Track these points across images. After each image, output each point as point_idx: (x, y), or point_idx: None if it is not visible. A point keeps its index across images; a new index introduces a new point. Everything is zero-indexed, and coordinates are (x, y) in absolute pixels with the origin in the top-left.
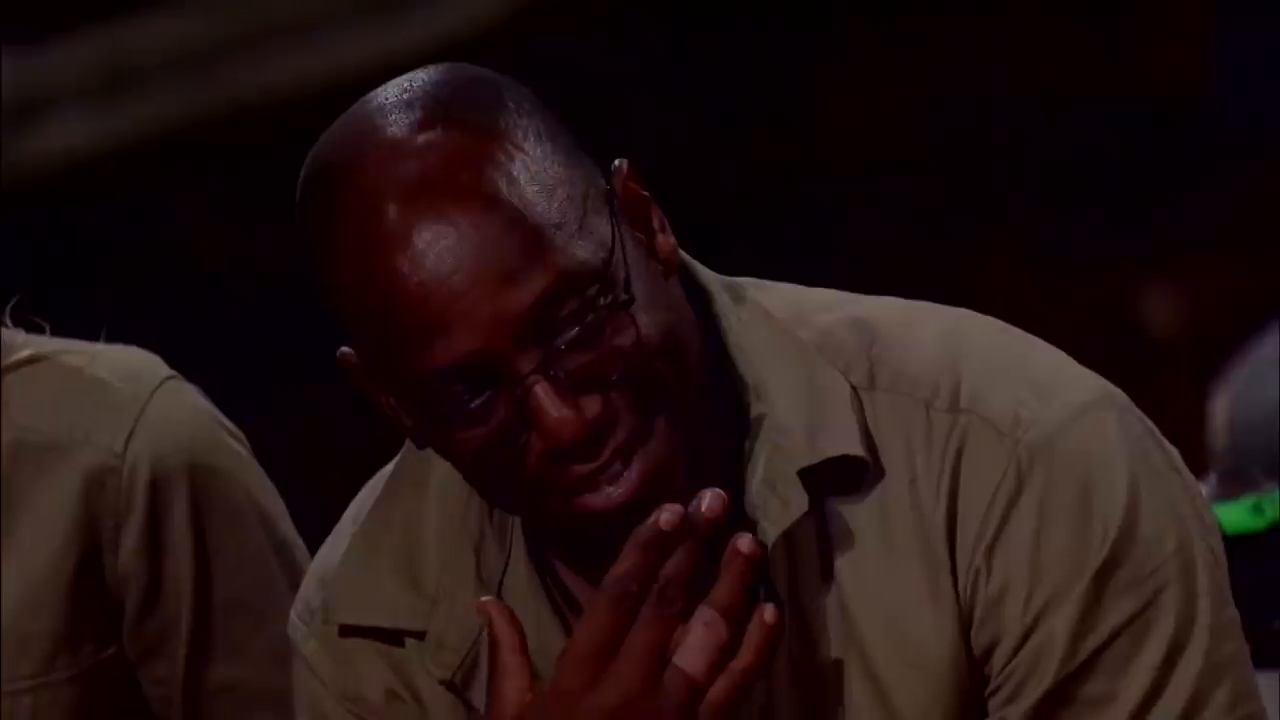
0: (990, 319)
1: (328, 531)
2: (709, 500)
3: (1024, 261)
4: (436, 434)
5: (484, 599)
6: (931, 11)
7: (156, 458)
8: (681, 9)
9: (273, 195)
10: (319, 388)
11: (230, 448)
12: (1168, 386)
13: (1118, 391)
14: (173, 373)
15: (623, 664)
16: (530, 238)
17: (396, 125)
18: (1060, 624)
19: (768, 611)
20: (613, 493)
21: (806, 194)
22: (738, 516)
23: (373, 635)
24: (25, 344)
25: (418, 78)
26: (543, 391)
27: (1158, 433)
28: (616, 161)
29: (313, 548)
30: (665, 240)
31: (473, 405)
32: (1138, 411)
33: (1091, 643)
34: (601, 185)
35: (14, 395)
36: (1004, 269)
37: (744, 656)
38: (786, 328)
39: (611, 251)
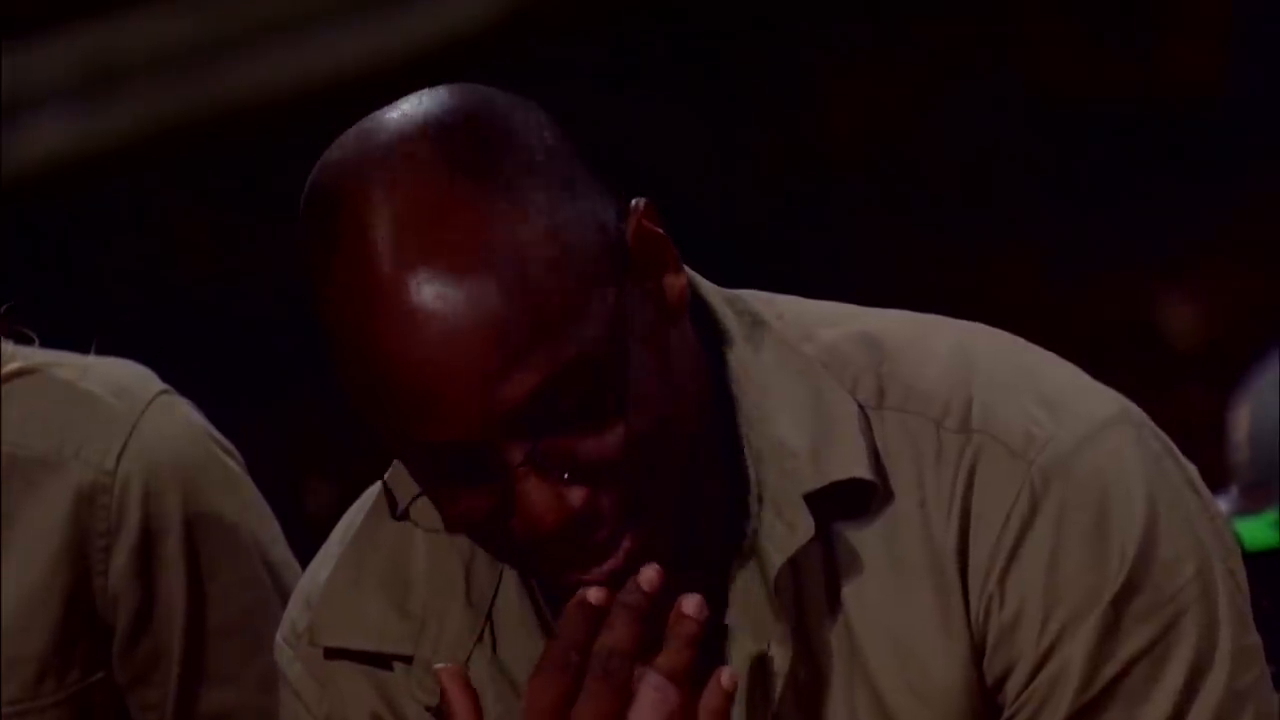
0: (1002, 333)
1: (314, 545)
2: (647, 575)
3: (1037, 269)
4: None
5: (440, 667)
6: (938, 9)
7: (149, 475)
8: (681, 8)
9: (262, 197)
10: (308, 395)
11: (225, 465)
12: (1187, 398)
13: (1134, 408)
14: (166, 387)
15: None
16: (526, 330)
17: (403, 176)
18: (1076, 651)
19: (724, 675)
20: (600, 569)
21: (808, 200)
22: (741, 542)
23: (359, 659)
24: (14, 356)
25: (428, 110)
26: (528, 482)
27: (1175, 450)
28: (634, 201)
29: (300, 562)
30: (676, 281)
31: (456, 483)
32: (1155, 428)
33: (1109, 670)
34: (612, 233)
35: (2, 410)
36: (1017, 277)
37: (700, 715)
38: (791, 343)
39: (611, 331)
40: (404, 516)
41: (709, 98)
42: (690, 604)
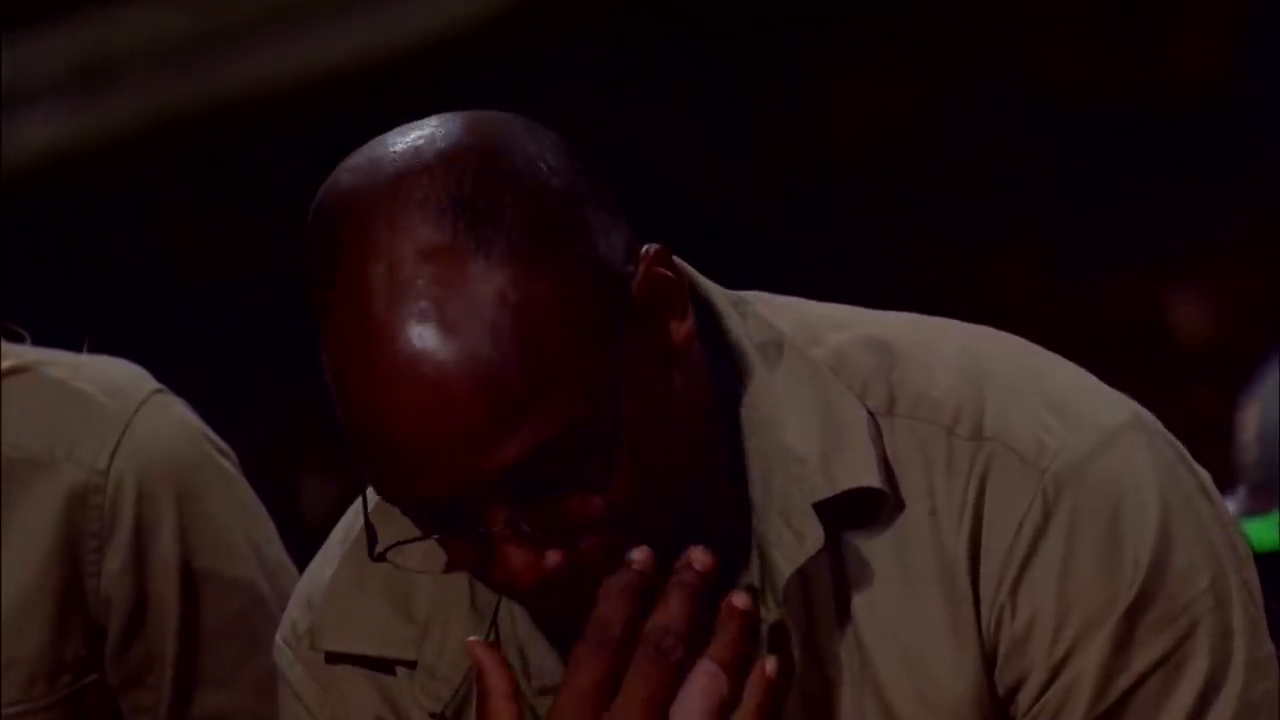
0: (1008, 336)
1: (312, 545)
2: (697, 555)
3: (1041, 269)
4: None
5: (472, 639)
6: (940, 7)
7: (143, 476)
8: (681, 7)
9: (261, 191)
10: (306, 392)
11: (219, 466)
12: (1194, 397)
13: (1147, 414)
14: (159, 386)
15: (617, 716)
16: (518, 396)
17: (405, 219)
18: (1089, 662)
19: (769, 664)
20: (584, 602)
21: (809, 200)
22: (749, 551)
23: (361, 663)
24: (5, 354)
25: (439, 146)
26: (507, 544)
27: (1188, 456)
28: (645, 248)
29: (295, 560)
30: (682, 326)
31: (438, 531)
32: (1167, 434)
33: (1122, 682)
34: (619, 280)
35: None
36: (1020, 277)
37: (744, 712)
38: (798, 348)
39: (607, 394)
40: (381, 559)
41: (709, 97)
42: (740, 598)
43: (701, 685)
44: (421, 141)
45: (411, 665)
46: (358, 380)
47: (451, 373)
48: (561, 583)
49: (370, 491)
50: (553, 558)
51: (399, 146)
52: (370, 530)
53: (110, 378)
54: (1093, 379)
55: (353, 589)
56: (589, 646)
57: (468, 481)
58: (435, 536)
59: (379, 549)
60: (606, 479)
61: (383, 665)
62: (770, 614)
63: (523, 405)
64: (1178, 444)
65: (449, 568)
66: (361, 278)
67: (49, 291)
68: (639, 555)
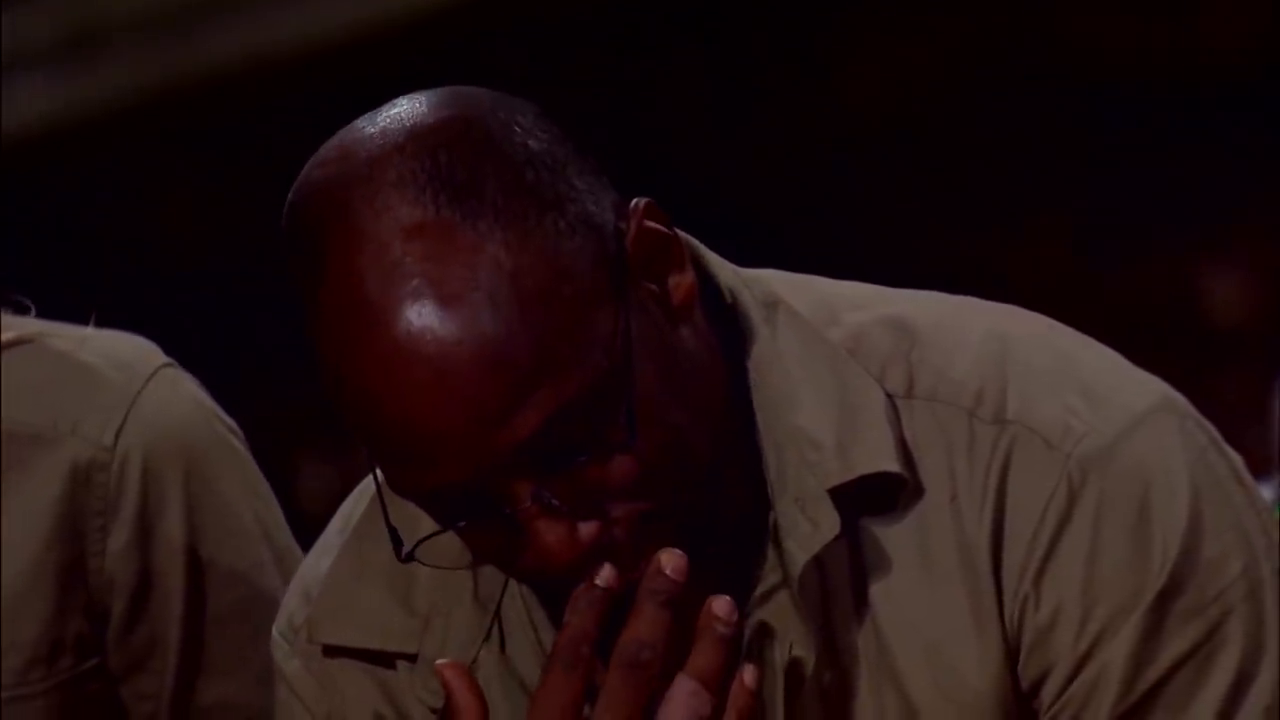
0: (1036, 317)
1: (310, 533)
2: (670, 561)
3: (1070, 243)
4: None
5: (441, 663)
6: None
7: (149, 452)
8: None
9: (251, 168)
10: (302, 371)
11: (230, 445)
12: (1228, 379)
13: (1178, 396)
14: (169, 360)
15: None
16: (525, 366)
17: (386, 200)
18: (1117, 654)
19: (748, 675)
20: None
21: (828, 174)
22: (764, 539)
23: (360, 656)
24: (8, 326)
25: (409, 124)
26: (537, 521)
27: (1221, 440)
28: (633, 202)
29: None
30: (682, 279)
31: (460, 520)
32: (1199, 418)
33: (1151, 674)
34: (610, 239)
35: None
36: (1048, 252)
37: None
38: (814, 328)
39: (615, 353)
40: (410, 559)
41: (717, 65)
42: (721, 605)
43: (681, 704)
44: (389, 122)
45: (412, 659)
46: (356, 370)
47: (454, 349)
48: (598, 558)
49: (385, 486)
50: (587, 529)
51: (368, 131)
52: (394, 532)
53: (118, 351)
54: (1121, 360)
55: (352, 580)
56: (556, 667)
57: (486, 462)
58: (459, 527)
59: (405, 549)
60: (630, 437)
61: (383, 659)
62: (781, 604)
63: (533, 374)
64: (1209, 427)
65: (477, 561)
66: (349, 266)
67: (37, 263)
68: (605, 574)
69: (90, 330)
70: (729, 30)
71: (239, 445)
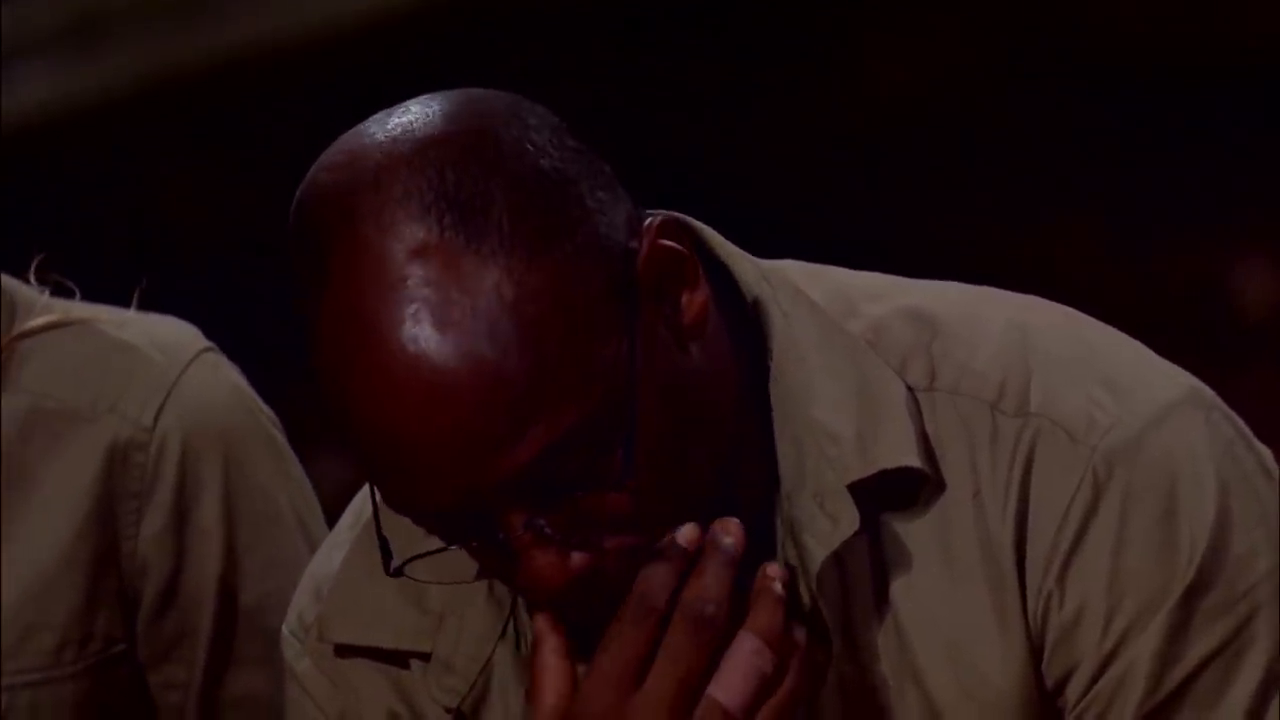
0: (1061, 308)
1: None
2: (730, 526)
3: (1098, 232)
4: None
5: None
6: None
7: (189, 435)
8: None
9: (254, 156)
10: (306, 362)
11: (269, 433)
12: (1258, 372)
13: (1204, 388)
14: (211, 344)
15: (653, 692)
16: (524, 395)
17: (390, 216)
18: (1143, 652)
19: (797, 631)
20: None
21: (847, 162)
22: (781, 536)
23: (373, 655)
24: (49, 307)
25: (418, 134)
26: (529, 550)
27: (1249, 433)
28: (647, 220)
29: None
30: (695, 298)
31: (453, 542)
32: (1227, 410)
33: (1178, 673)
34: (621, 260)
35: (32, 360)
36: (1075, 240)
37: (785, 683)
38: (834, 320)
39: (618, 382)
40: (399, 574)
41: (736, 53)
42: (774, 569)
43: (744, 661)
44: (399, 131)
45: (426, 658)
46: (353, 389)
47: (451, 376)
48: (589, 586)
49: (388, 515)
50: (579, 559)
51: (377, 138)
52: (384, 544)
53: (160, 333)
54: (1147, 352)
55: (363, 577)
56: (630, 619)
57: (479, 489)
58: (455, 546)
59: (395, 564)
60: (626, 474)
61: (396, 658)
62: (800, 601)
63: (530, 404)
64: (1238, 420)
65: (480, 575)
66: (350, 282)
67: (38, 249)
68: (688, 532)
69: (132, 313)
70: (750, 19)
71: (277, 434)
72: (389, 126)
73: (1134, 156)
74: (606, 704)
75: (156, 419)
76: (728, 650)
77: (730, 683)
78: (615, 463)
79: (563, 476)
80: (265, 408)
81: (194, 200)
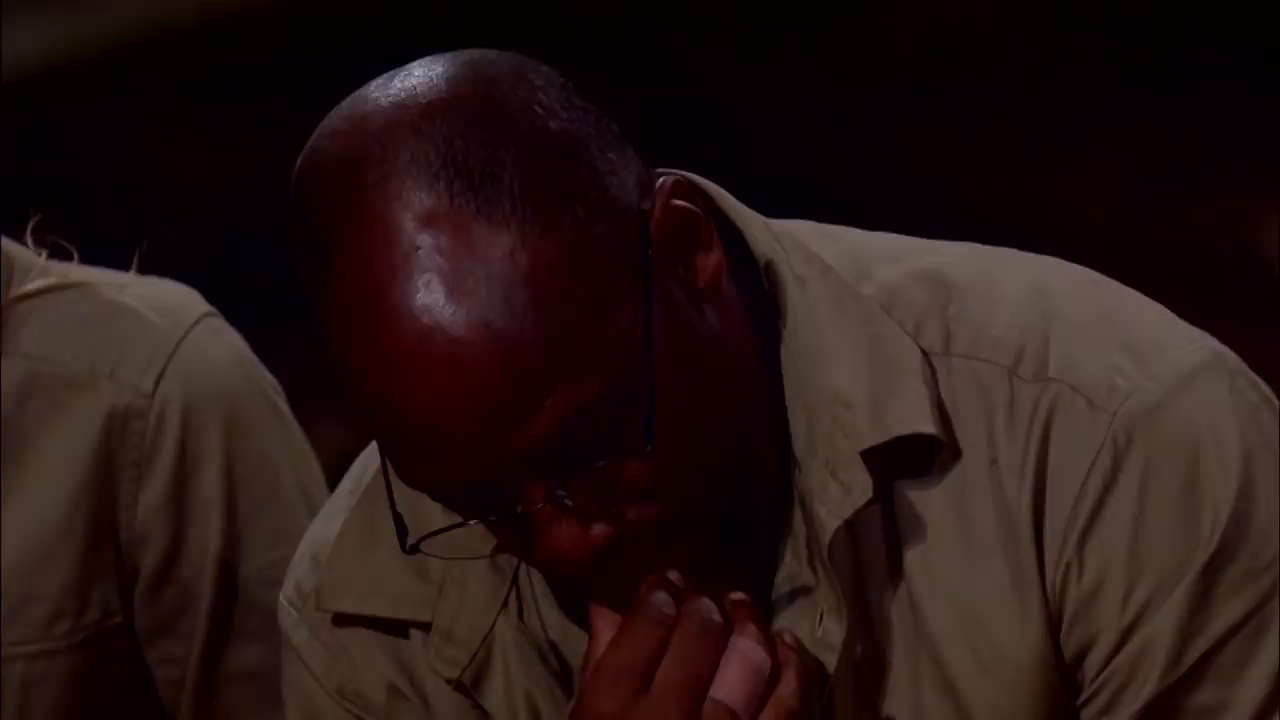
0: (1082, 270)
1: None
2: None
3: (1122, 185)
4: None
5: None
6: None
7: (190, 402)
8: None
9: (260, 111)
10: (309, 322)
11: (272, 400)
12: None
13: (1228, 353)
14: (212, 309)
15: (660, 694)
16: (542, 367)
17: (398, 184)
18: (1164, 624)
19: (786, 633)
20: (631, 584)
21: (859, 113)
22: (792, 504)
23: (372, 625)
24: (46, 270)
25: (424, 98)
26: (549, 523)
27: (1274, 400)
28: (659, 181)
29: None
30: (709, 259)
31: (470, 517)
32: (1252, 376)
33: (1200, 645)
34: (633, 223)
35: (29, 324)
36: (1098, 193)
37: (786, 677)
38: (847, 283)
39: (636, 349)
40: (415, 551)
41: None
42: (736, 594)
43: (739, 660)
44: (404, 96)
45: (426, 627)
46: (365, 364)
47: (466, 347)
48: (610, 559)
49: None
50: (600, 531)
51: (380, 103)
52: (399, 521)
53: (161, 296)
54: (1170, 316)
55: (363, 546)
56: (638, 621)
57: (497, 463)
58: (472, 522)
59: (411, 540)
60: (647, 442)
61: (395, 627)
62: (811, 574)
63: (547, 375)
64: (1264, 387)
65: (496, 551)
66: (357, 254)
67: (37, 205)
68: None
69: (131, 276)
70: None
71: (280, 401)
72: (392, 91)
73: (1161, 107)
74: (614, 705)
75: (156, 386)
76: (725, 655)
77: (728, 683)
78: (635, 431)
79: (582, 447)
80: (267, 374)
81: (194, 159)
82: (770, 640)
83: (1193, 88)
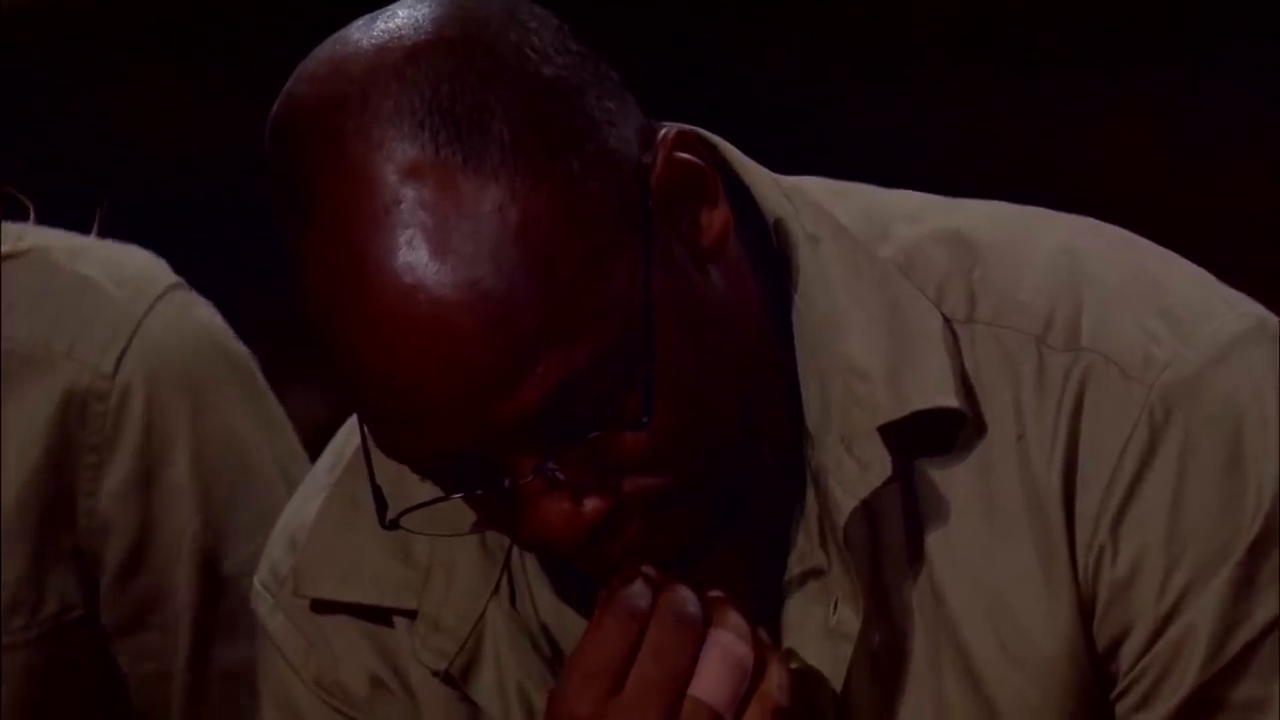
0: (1115, 230)
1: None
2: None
3: (1158, 139)
4: None
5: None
6: None
7: (154, 383)
8: None
9: (238, 61)
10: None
11: (245, 378)
12: None
13: (1272, 319)
14: (179, 280)
15: (636, 694)
16: (533, 331)
17: (380, 134)
18: (1205, 612)
19: (760, 631)
20: (624, 560)
21: (877, 59)
22: (804, 483)
23: (353, 612)
24: (4, 235)
25: (408, 40)
26: (538, 497)
27: None
28: (661, 132)
29: None
30: (715, 216)
31: (455, 491)
32: None
33: (1243, 635)
34: (633, 177)
35: None
36: (1131, 149)
37: (772, 675)
38: (863, 244)
39: (634, 311)
40: (394, 526)
41: None
42: (714, 591)
43: (719, 656)
44: (386, 39)
45: (411, 615)
46: (344, 326)
47: (452, 308)
48: (603, 536)
49: (373, 444)
50: (593, 506)
51: (362, 46)
52: (378, 494)
53: (122, 265)
54: (1211, 279)
55: (343, 525)
56: (611, 618)
57: (484, 433)
58: (456, 496)
59: (391, 515)
60: (646, 411)
61: (378, 615)
62: (825, 557)
63: (539, 338)
64: None
65: (477, 527)
66: (337, 208)
67: (7, 153)
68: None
69: (89, 240)
70: None
71: (255, 376)
72: (374, 33)
73: (1194, 59)
74: (587, 708)
75: (118, 365)
76: (704, 650)
77: (709, 680)
78: (633, 399)
79: (576, 416)
80: (241, 348)
81: (159, 105)
82: (753, 632)
83: (1230, 41)
